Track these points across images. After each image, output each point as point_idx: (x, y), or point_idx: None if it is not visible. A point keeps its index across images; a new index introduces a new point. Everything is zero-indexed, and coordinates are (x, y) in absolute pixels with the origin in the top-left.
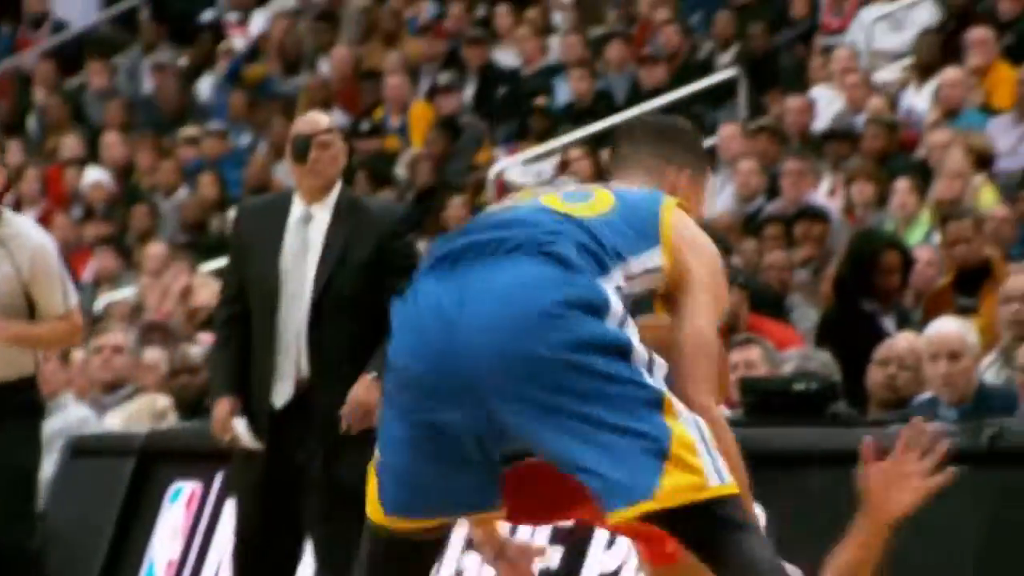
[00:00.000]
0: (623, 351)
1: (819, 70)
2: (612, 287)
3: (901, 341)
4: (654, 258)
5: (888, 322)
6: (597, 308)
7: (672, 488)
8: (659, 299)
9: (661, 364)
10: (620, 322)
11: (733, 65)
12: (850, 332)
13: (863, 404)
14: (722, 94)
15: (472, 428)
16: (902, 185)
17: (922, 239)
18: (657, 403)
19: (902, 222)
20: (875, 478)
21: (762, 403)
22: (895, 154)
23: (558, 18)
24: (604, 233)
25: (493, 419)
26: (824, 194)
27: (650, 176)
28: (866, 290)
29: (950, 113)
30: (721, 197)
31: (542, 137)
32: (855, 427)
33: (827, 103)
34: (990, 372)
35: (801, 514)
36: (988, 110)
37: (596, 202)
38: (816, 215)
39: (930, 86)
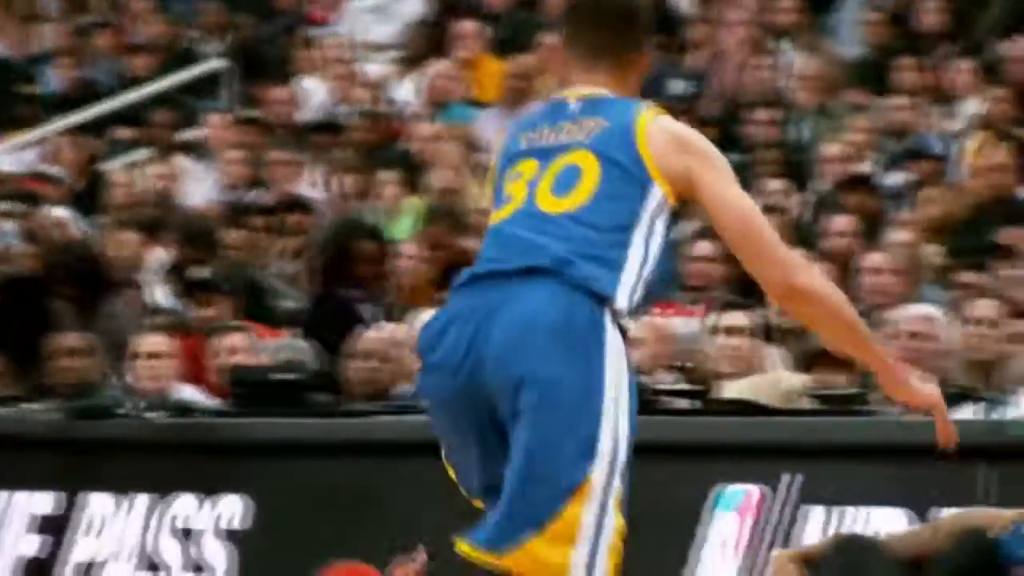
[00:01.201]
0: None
1: (306, 61)
2: (630, 273)
3: (381, 333)
4: (656, 195)
5: (369, 311)
6: (599, 336)
7: (526, 556)
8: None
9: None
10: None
11: (220, 55)
12: (330, 322)
13: (343, 393)
14: (209, 84)
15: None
16: (388, 177)
17: (408, 231)
18: (572, 488)
19: (387, 214)
20: None
21: (246, 392)
22: (381, 146)
23: (46, 6)
24: (603, 218)
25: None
26: (310, 185)
27: (620, 69)
28: (344, 279)
29: (438, 105)
30: (208, 187)
31: (28, 124)
32: (334, 417)
33: (314, 94)
34: None
35: (285, 503)
36: (475, 103)
37: (584, 181)
38: (302, 206)
39: (417, 78)
